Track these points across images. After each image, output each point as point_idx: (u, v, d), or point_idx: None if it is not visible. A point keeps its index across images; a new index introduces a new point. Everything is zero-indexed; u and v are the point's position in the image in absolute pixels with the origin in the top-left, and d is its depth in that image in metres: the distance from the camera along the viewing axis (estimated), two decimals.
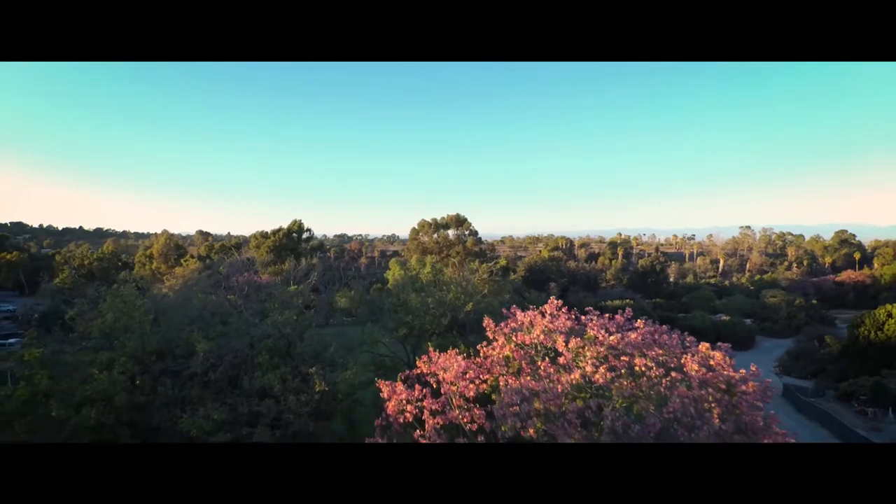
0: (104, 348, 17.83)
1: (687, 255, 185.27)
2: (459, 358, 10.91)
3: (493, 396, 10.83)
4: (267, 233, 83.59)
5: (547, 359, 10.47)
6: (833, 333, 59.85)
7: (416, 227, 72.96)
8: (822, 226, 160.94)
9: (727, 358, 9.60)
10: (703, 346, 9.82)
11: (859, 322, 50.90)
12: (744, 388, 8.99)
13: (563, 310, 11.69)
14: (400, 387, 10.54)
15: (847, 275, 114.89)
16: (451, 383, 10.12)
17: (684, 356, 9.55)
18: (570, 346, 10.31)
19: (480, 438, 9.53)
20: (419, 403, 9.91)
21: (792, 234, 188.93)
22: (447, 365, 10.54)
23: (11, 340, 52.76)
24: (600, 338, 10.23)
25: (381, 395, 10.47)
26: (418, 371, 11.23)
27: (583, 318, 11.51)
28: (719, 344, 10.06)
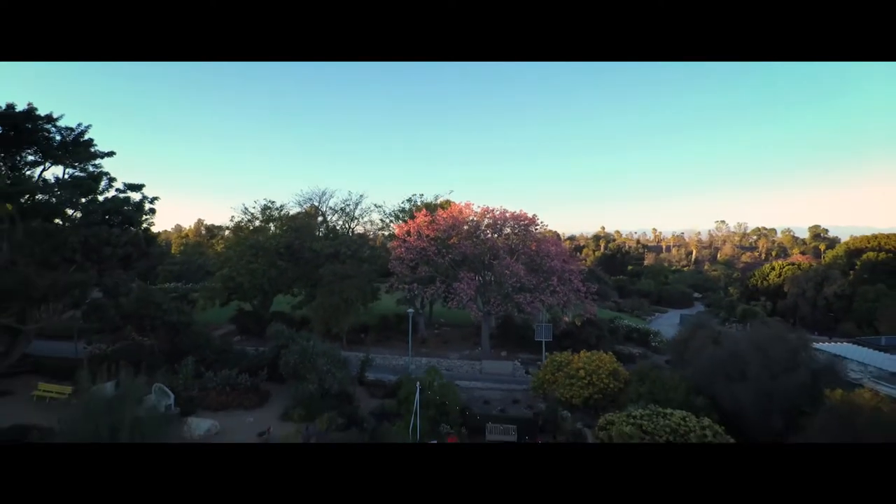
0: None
1: (664, 247, 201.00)
2: (425, 213, 26.87)
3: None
4: (290, 215, 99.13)
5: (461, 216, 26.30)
6: None
7: (413, 209, 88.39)
8: (824, 227, 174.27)
9: (529, 215, 25.19)
10: (521, 211, 25.42)
11: (751, 276, 66.51)
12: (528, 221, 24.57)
13: (475, 205, 27.37)
14: (402, 224, 26.50)
15: (796, 258, 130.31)
16: (422, 224, 26.05)
17: (513, 211, 25.27)
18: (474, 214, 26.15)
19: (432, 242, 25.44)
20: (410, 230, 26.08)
21: (766, 229, 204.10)
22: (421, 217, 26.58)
23: None
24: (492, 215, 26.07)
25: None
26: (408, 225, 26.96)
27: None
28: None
